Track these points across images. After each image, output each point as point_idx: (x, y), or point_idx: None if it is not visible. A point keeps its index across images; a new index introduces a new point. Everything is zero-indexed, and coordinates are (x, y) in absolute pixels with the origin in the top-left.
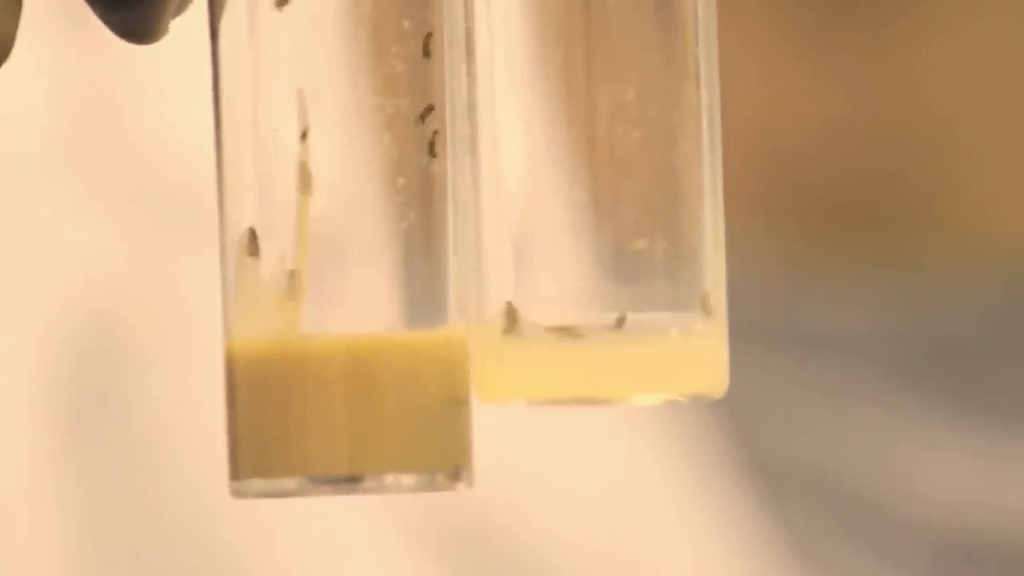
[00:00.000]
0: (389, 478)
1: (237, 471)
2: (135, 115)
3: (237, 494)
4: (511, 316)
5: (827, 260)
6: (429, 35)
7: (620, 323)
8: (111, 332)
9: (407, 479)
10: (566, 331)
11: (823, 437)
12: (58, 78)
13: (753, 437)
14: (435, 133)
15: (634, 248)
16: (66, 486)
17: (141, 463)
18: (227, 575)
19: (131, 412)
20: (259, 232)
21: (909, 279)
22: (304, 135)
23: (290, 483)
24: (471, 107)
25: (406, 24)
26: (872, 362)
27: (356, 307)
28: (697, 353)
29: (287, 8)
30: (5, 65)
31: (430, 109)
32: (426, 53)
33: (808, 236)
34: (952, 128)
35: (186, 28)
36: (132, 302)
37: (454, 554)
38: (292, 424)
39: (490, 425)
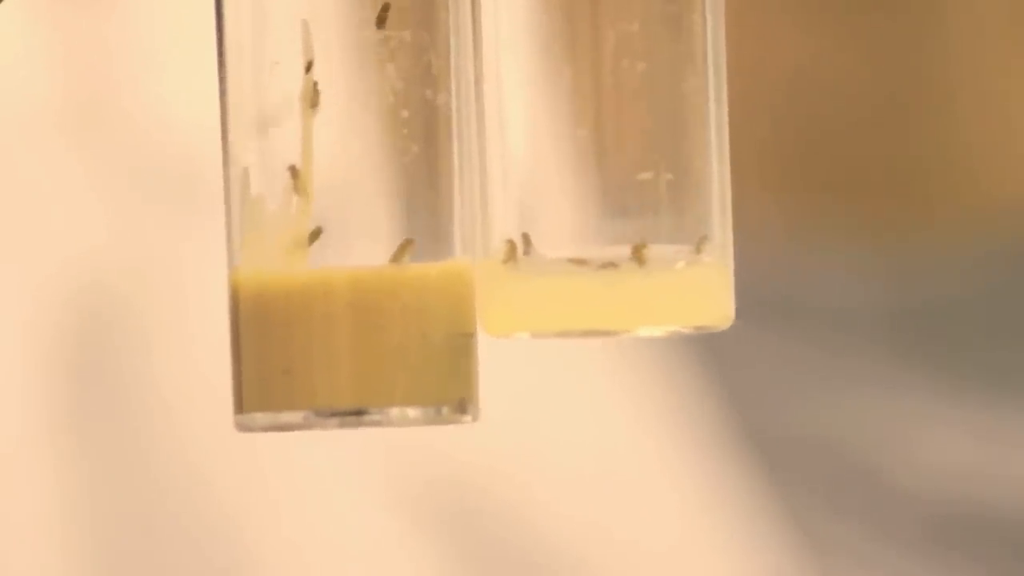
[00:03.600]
0: (394, 411)
1: (241, 404)
2: (132, 88)
3: (242, 427)
4: (515, 249)
5: (822, 232)
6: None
7: (637, 254)
8: (109, 304)
9: (412, 412)
10: (571, 263)
11: (819, 408)
12: (54, 50)
13: (750, 408)
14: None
15: (639, 180)
16: (65, 460)
17: (141, 435)
18: (229, 546)
19: (130, 384)
20: (262, 167)
21: (905, 250)
22: (309, 67)
23: (295, 416)
24: (475, 41)
25: None
26: (868, 333)
27: (360, 241)
28: (702, 285)
29: None
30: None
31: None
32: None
33: (804, 208)
34: (951, 98)
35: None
36: (129, 274)
37: (448, 511)
38: (297, 357)
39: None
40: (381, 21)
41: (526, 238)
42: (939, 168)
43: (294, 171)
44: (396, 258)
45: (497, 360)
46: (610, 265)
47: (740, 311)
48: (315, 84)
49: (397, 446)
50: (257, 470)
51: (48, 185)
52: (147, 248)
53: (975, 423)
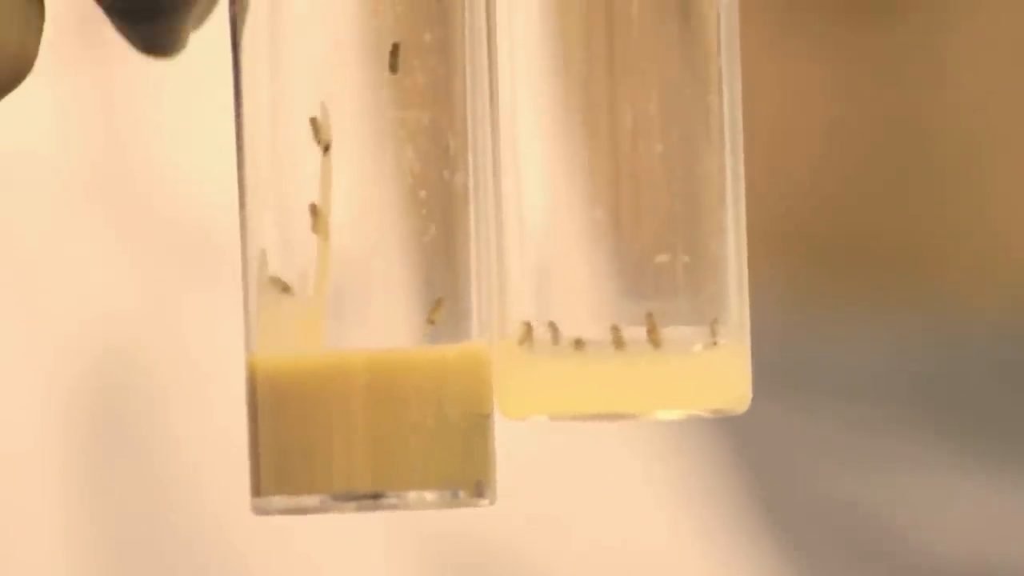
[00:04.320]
0: (411, 495)
1: (259, 488)
2: (151, 152)
3: (259, 511)
4: (531, 331)
5: (840, 296)
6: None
7: (652, 337)
8: (128, 368)
9: (429, 496)
10: (588, 346)
11: (838, 475)
12: (74, 114)
13: (767, 475)
14: (438, 301)
15: (657, 262)
16: (86, 521)
17: (160, 497)
18: None
19: (149, 448)
20: (279, 249)
21: (924, 315)
22: (327, 149)
23: (312, 500)
24: (493, 121)
25: (427, 37)
26: (887, 399)
27: (378, 322)
28: (720, 367)
29: (308, 23)
30: (21, 100)
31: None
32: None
33: (821, 271)
34: (969, 165)
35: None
36: (148, 338)
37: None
38: (314, 440)
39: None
40: (393, 66)
41: (544, 323)
42: (958, 236)
43: (314, 209)
44: (431, 319)
45: (515, 442)
46: (626, 348)
47: (758, 375)
48: (329, 180)
49: (415, 526)
50: (275, 542)
51: (66, 252)
52: (164, 315)
53: (997, 490)
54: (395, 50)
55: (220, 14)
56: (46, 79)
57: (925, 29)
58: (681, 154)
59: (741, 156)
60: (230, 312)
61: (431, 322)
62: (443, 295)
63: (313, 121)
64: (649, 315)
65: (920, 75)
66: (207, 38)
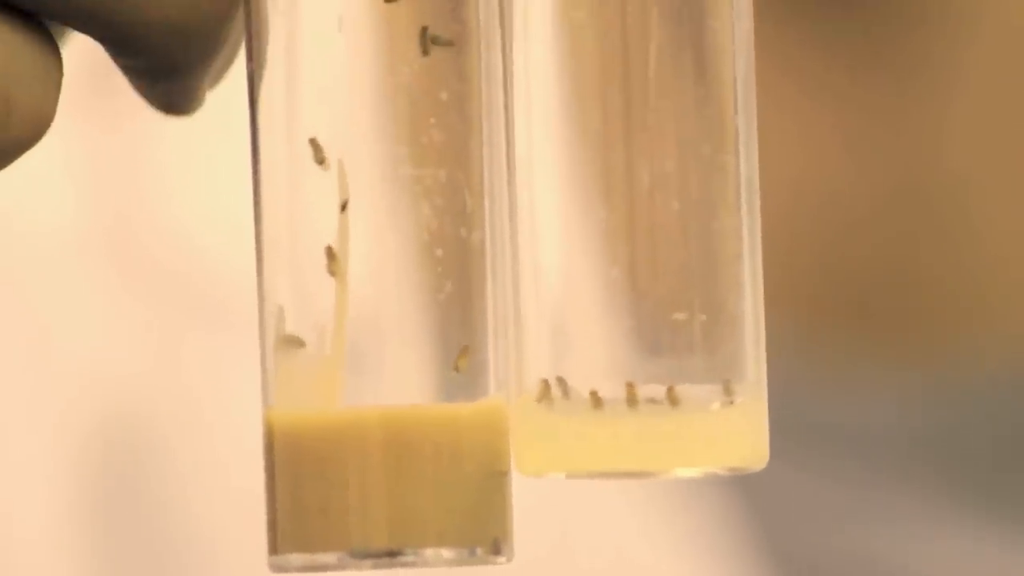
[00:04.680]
0: (428, 552)
1: (276, 545)
2: (161, 206)
3: (276, 569)
4: (548, 389)
5: (851, 353)
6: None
7: (670, 395)
8: (138, 426)
9: (447, 553)
10: (605, 403)
11: (849, 531)
12: (83, 168)
13: (779, 531)
14: (464, 348)
15: (674, 320)
16: None
17: (173, 559)
18: None
19: (161, 507)
20: (297, 306)
21: (935, 373)
22: (344, 206)
23: (329, 558)
24: (510, 178)
25: (444, 95)
26: (897, 456)
27: (395, 379)
28: (738, 425)
29: (325, 80)
30: (33, 160)
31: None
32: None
33: (832, 327)
34: (977, 215)
35: (217, 118)
36: (158, 395)
37: None
38: (331, 498)
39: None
40: (425, 49)
41: (559, 379)
42: (968, 295)
43: (330, 252)
44: (457, 366)
45: (532, 499)
46: (644, 406)
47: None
48: (345, 238)
49: None
50: None
51: (74, 307)
52: (174, 373)
53: (1008, 550)
54: (424, 32)
55: (237, 71)
56: (55, 132)
57: (939, 88)
58: (698, 212)
59: (758, 214)
60: (240, 369)
61: (456, 370)
62: (458, 352)
63: (312, 142)
64: (672, 383)
65: (933, 135)
66: (223, 94)
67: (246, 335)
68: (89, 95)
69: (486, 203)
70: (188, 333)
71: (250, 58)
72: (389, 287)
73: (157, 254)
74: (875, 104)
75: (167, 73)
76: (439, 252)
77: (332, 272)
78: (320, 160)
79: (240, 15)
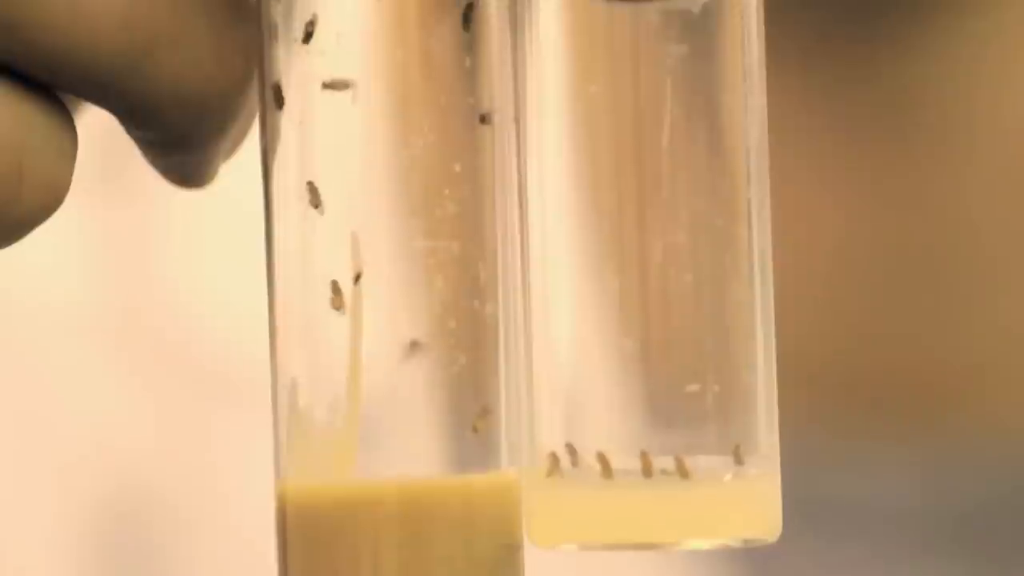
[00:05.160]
0: None
1: None
2: (171, 289)
3: None
4: (562, 461)
5: (864, 426)
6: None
7: (680, 467)
8: (147, 505)
9: None
10: (618, 475)
11: None
12: (94, 248)
13: None
14: (483, 409)
15: (687, 392)
16: None
17: None
18: None
19: None
20: (310, 379)
21: (948, 445)
22: (357, 278)
23: None
24: (523, 250)
25: (457, 167)
26: (909, 530)
27: (408, 451)
28: (750, 497)
29: (339, 152)
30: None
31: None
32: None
33: (845, 401)
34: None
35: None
36: (169, 474)
37: None
38: (344, 570)
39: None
40: (466, 26)
41: (571, 449)
42: (982, 367)
43: (335, 286)
44: (476, 427)
45: (544, 571)
46: (656, 477)
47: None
48: (359, 309)
49: None
50: None
51: (85, 387)
52: (186, 452)
53: None
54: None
55: (250, 144)
56: (65, 211)
57: (949, 161)
58: (711, 284)
59: (771, 286)
60: (251, 445)
61: (475, 430)
62: (472, 424)
63: (309, 184)
64: (683, 455)
65: (943, 208)
66: (234, 170)
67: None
68: (99, 174)
69: (499, 275)
70: (198, 409)
71: (264, 131)
72: (402, 360)
73: (167, 331)
74: (886, 177)
75: (181, 145)
76: (452, 324)
77: (336, 307)
78: (316, 204)
79: (254, 87)
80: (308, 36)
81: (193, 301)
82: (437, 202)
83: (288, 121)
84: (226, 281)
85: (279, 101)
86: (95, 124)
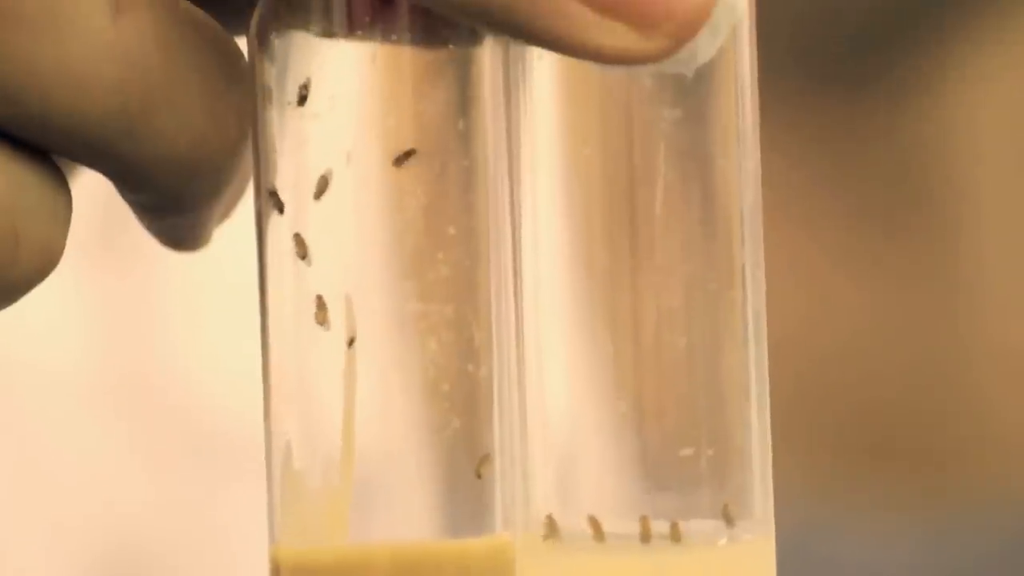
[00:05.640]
0: None
1: None
2: (168, 347)
3: None
4: (555, 525)
5: (861, 492)
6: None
7: (674, 531)
8: (144, 568)
9: None
10: (612, 539)
11: None
12: (92, 315)
13: None
14: (484, 457)
15: (681, 455)
16: None
17: None
18: None
19: None
20: (304, 441)
21: (946, 513)
22: (351, 342)
23: None
24: (517, 312)
25: (451, 230)
26: None
27: (402, 514)
28: (745, 562)
29: (332, 215)
30: (42, 303)
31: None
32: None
33: (842, 468)
34: (986, 365)
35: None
36: (165, 539)
37: None
38: None
39: None
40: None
41: (567, 516)
42: (976, 436)
43: (320, 302)
44: (479, 473)
45: None
46: (651, 541)
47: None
48: (353, 375)
49: None
50: None
51: (83, 452)
52: (182, 516)
53: None
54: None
55: (244, 207)
56: (62, 276)
57: (941, 236)
58: (705, 348)
59: (765, 350)
60: (246, 510)
61: (479, 476)
62: (466, 487)
63: (296, 237)
64: (676, 519)
65: (942, 275)
66: (229, 236)
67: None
68: (98, 237)
69: (493, 338)
70: (196, 472)
71: (258, 194)
72: (396, 422)
73: (166, 394)
74: (883, 243)
75: (175, 208)
76: (446, 387)
77: (320, 322)
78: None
79: (248, 150)
80: (302, 99)
81: (192, 364)
82: (431, 265)
83: (282, 184)
84: (225, 345)
85: (279, 206)
86: (95, 187)
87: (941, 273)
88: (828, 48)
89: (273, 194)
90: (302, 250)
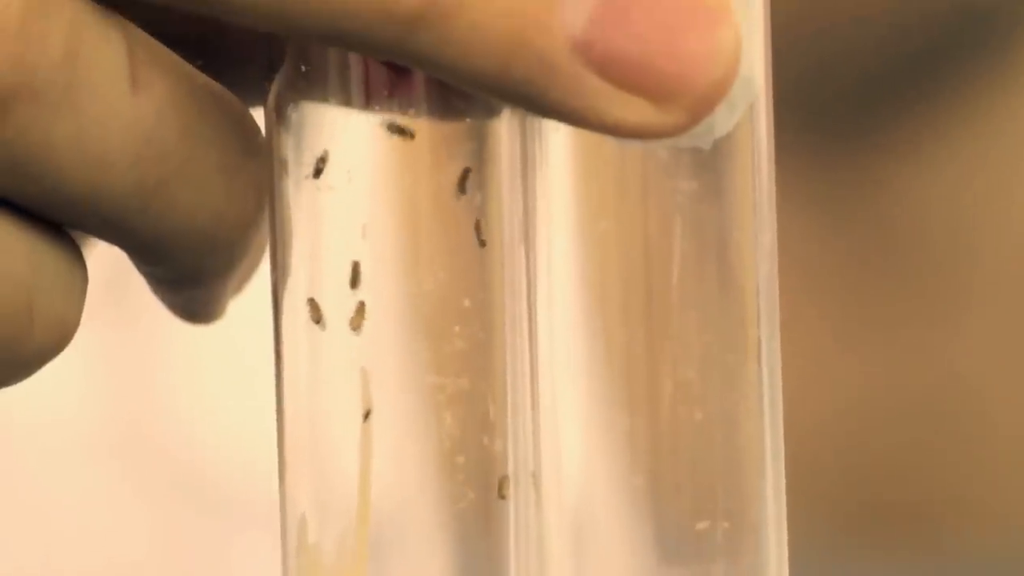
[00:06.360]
0: None
1: None
2: (173, 404)
3: None
4: None
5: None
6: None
7: None
8: None
9: None
10: None
11: None
12: (99, 374)
13: None
14: (503, 479)
15: (697, 529)
16: None
17: None
18: None
19: None
20: (319, 515)
21: (943, 570)
22: (367, 415)
23: None
24: (532, 385)
25: (467, 303)
26: None
27: None
28: None
29: (348, 289)
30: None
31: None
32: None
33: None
34: (984, 416)
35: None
36: None
37: None
38: None
39: None
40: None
41: None
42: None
43: (312, 303)
44: (503, 494)
45: None
46: None
47: None
48: (368, 448)
49: None
50: None
51: (85, 506)
52: (185, 571)
53: None
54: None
55: (260, 279)
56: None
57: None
58: (721, 422)
59: (780, 423)
60: (248, 561)
61: (502, 497)
62: (481, 560)
63: (311, 301)
64: None
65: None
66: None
67: (259, 529)
68: (104, 294)
69: (509, 411)
70: (197, 529)
71: (274, 267)
72: (410, 495)
73: (171, 451)
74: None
75: (190, 281)
76: (460, 460)
77: (315, 320)
78: (317, 320)
79: (264, 223)
80: (318, 172)
81: (195, 420)
82: (447, 338)
83: (298, 257)
84: (231, 400)
85: (289, 237)
86: (101, 243)
87: (948, 343)
88: (821, 104)
89: (288, 266)
90: (316, 314)
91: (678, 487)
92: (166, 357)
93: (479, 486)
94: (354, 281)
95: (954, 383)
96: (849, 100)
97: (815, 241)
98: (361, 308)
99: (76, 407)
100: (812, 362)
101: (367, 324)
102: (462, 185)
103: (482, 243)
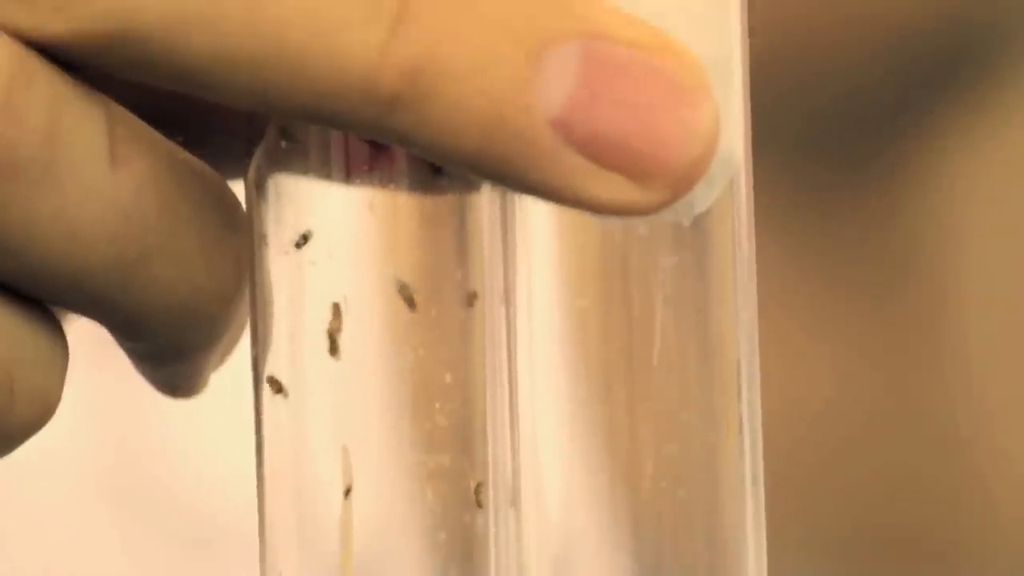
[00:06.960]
0: None
1: None
2: (163, 445)
3: None
4: None
5: None
6: None
7: None
8: None
9: None
10: None
11: None
12: (92, 413)
13: None
14: (479, 485)
15: None
16: None
17: None
18: None
19: None
20: None
21: None
22: (347, 492)
23: None
24: (514, 461)
25: (448, 378)
26: None
27: None
28: None
29: (331, 363)
30: None
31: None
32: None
33: (844, 567)
34: (988, 446)
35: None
36: None
37: None
38: None
39: None
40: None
41: None
42: (980, 528)
43: (336, 309)
44: (479, 502)
45: None
46: None
47: None
48: (349, 528)
49: None
50: None
51: (77, 545)
52: None
53: None
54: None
55: (241, 352)
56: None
57: (929, 321)
58: (702, 499)
59: (762, 500)
60: None
61: (479, 505)
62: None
63: (270, 379)
64: None
65: (935, 367)
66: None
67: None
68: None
69: (490, 487)
70: (189, 568)
71: (254, 341)
72: (392, 571)
73: (158, 488)
74: (877, 336)
75: (172, 356)
76: (442, 537)
77: (276, 391)
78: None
79: (245, 298)
80: (299, 245)
81: (188, 458)
82: (427, 415)
83: (278, 331)
84: (221, 440)
85: (277, 387)
86: None
87: (938, 365)
88: (809, 129)
89: (269, 340)
90: (275, 387)
91: (659, 565)
92: (155, 392)
93: (460, 562)
94: (333, 350)
95: (944, 406)
96: (834, 112)
97: (799, 257)
98: (342, 380)
99: (67, 445)
100: (794, 378)
101: (348, 400)
102: (443, 259)
103: (463, 321)
